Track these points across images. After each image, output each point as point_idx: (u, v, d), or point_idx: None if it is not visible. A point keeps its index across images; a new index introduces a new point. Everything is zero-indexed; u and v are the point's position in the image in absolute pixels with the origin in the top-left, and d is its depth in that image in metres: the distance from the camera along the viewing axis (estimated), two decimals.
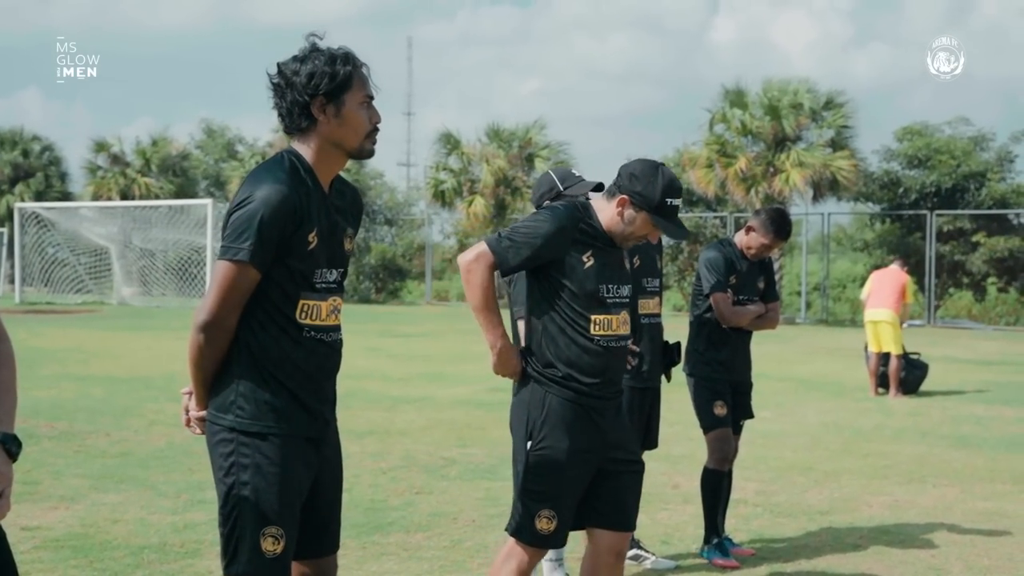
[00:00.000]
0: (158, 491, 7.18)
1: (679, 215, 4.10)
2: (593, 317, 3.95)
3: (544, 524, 3.93)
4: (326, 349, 3.31)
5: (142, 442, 8.97)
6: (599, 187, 4.99)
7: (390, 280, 37.64)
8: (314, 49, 3.24)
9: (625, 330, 4.07)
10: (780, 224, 6.10)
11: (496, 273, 4.05)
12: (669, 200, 3.98)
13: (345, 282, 3.45)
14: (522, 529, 3.97)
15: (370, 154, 3.33)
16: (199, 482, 7.44)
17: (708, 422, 6.06)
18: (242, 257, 3.13)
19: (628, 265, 4.18)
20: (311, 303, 3.25)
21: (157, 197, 37.12)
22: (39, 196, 39.66)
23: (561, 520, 3.95)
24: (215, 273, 3.19)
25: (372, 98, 3.30)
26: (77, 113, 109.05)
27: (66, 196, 41.31)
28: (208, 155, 45.92)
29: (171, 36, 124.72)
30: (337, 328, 3.37)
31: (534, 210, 4.93)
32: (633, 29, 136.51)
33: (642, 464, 4.19)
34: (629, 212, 3.99)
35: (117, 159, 39.58)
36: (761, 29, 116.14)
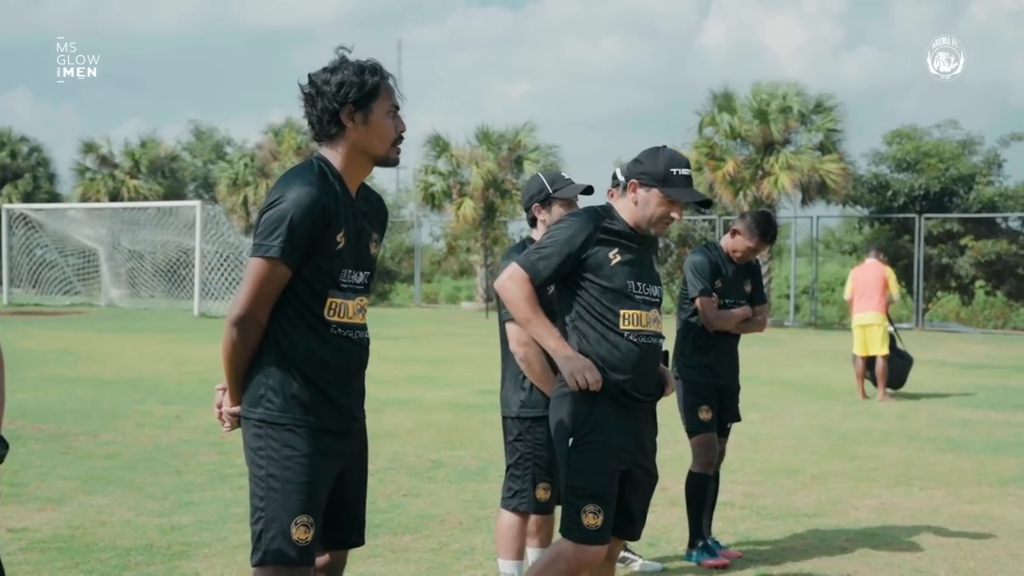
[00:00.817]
0: (145, 493, 7.17)
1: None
2: (622, 312, 4.02)
3: (591, 519, 3.96)
4: (353, 346, 3.45)
5: (130, 444, 8.95)
6: (588, 190, 5.00)
7: (379, 282, 37.63)
8: (343, 60, 3.40)
9: (656, 327, 4.13)
10: (765, 227, 6.13)
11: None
12: (674, 170, 4.11)
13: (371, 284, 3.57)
14: (571, 526, 4.00)
15: (395, 162, 3.49)
16: (186, 484, 7.44)
17: (693, 426, 6.08)
18: (273, 254, 3.26)
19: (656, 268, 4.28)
20: (338, 301, 3.39)
21: (146, 199, 37.07)
22: (27, 197, 39.53)
23: (607, 515, 3.98)
24: (247, 270, 3.33)
25: (398, 108, 3.45)
26: (66, 114, 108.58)
27: (54, 197, 41.21)
28: (197, 157, 45.85)
29: (161, 38, 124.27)
30: (364, 327, 3.51)
31: (523, 212, 4.97)
32: (624, 32, 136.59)
33: (657, 478, 4.26)
34: (641, 194, 4.11)
35: (106, 160, 39.50)
36: (752, 32, 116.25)
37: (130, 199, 37.04)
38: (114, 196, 37.87)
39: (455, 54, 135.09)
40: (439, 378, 14.12)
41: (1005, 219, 29.87)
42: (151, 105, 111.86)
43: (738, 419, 6.36)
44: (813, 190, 27.40)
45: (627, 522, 4.17)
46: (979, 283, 30.01)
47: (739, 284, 6.21)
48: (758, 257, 6.40)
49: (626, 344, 4.02)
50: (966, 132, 30.77)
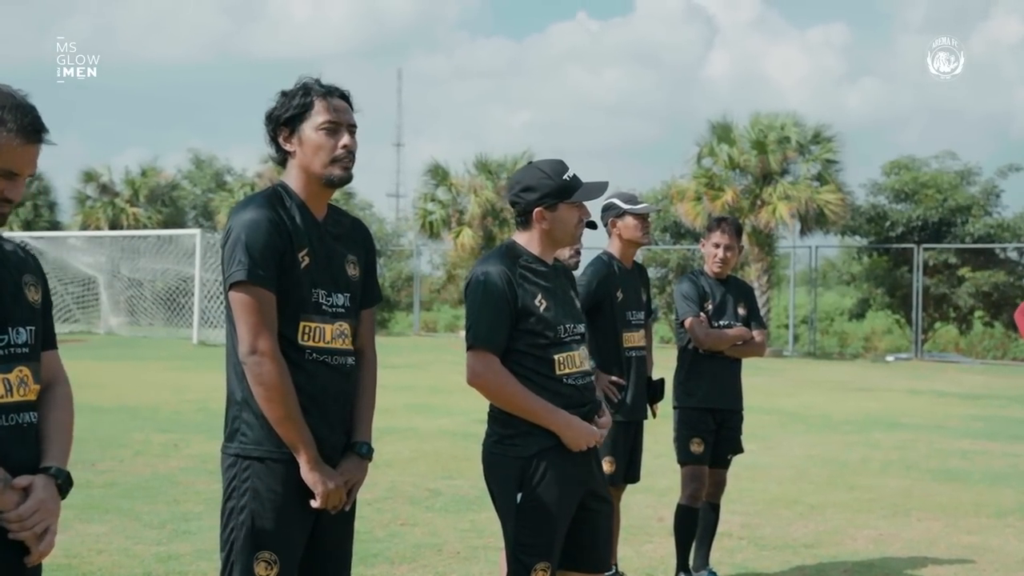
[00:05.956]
0: (143, 522, 7.16)
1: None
2: (556, 357, 3.82)
3: None
4: (331, 372, 3.33)
5: (127, 472, 8.94)
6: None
7: (378, 311, 37.58)
8: (300, 86, 3.38)
9: (587, 365, 3.96)
10: (716, 220, 6.28)
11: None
12: (566, 176, 3.88)
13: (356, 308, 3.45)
14: None
15: (341, 180, 3.36)
16: (184, 513, 7.43)
17: (683, 457, 6.08)
18: (237, 278, 3.20)
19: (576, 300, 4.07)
20: (313, 325, 3.29)
21: (145, 227, 37.09)
22: (28, 225, 39.55)
23: (553, 570, 3.84)
24: (231, 307, 3.24)
25: (336, 123, 3.34)
26: (69, 143, 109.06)
27: (55, 225, 41.21)
28: (196, 185, 45.90)
29: (168, 68, 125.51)
30: (346, 352, 3.39)
31: None
32: (628, 63, 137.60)
33: (611, 503, 4.11)
34: (552, 216, 3.87)
35: (106, 189, 39.53)
36: (756, 63, 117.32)
37: (130, 227, 37.05)
38: (114, 224, 37.90)
39: (459, 84, 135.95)
40: (437, 407, 14.11)
41: (1003, 250, 29.90)
42: (154, 134, 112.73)
43: (739, 451, 6.31)
44: (811, 220, 27.46)
45: (597, 554, 3.98)
46: (977, 313, 30.00)
47: (731, 307, 6.20)
48: (754, 284, 6.43)
49: (566, 388, 3.84)
50: (964, 163, 30.86)
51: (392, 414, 13.18)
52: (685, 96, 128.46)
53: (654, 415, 5.95)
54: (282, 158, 3.40)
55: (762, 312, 6.62)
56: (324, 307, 3.32)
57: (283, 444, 3.23)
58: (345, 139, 3.34)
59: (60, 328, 24.81)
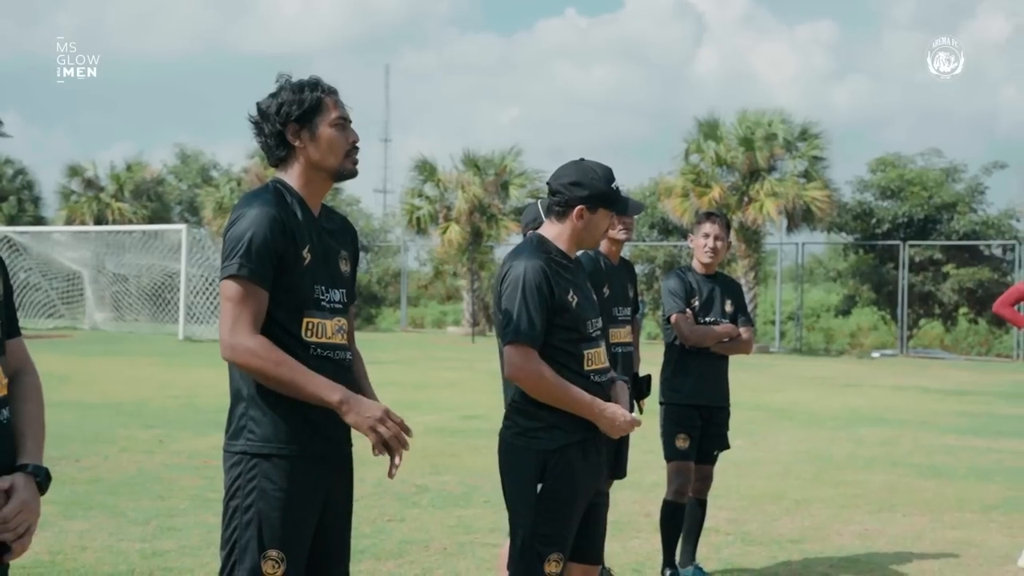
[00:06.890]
0: (127, 518, 7.13)
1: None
2: (585, 353, 3.85)
3: (553, 567, 3.80)
4: (334, 367, 3.33)
5: (112, 468, 8.91)
6: None
7: (365, 306, 37.57)
8: (285, 83, 3.38)
9: (606, 362, 3.99)
10: (705, 214, 6.35)
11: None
12: (613, 184, 3.93)
13: (351, 303, 3.48)
14: (530, 573, 3.81)
15: (352, 173, 3.41)
16: (169, 509, 7.40)
17: (669, 452, 6.09)
18: (232, 271, 3.18)
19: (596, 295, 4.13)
20: (315, 321, 3.29)
21: (131, 222, 36.96)
22: (11, 220, 39.41)
23: (566, 561, 3.85)
24: (221, 295, 3.23)
25: (346, 119, 3.38)
26: (56, 138, 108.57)
27: (39, 220, 41.07)
28: (182, 180, 45.79)
29: (156, 62, 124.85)
30: (345, 347, 3.40)
31: (508, 237, 4.95)
32: (616, 60, 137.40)
33: (608, 496, 4.16)
34: (590, 218, 3.90)
35: (91, 184, 39.40)
36: (744, 61, 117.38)
37: (115, 222, 36.91)
38: (99, 219, 37.75)
39: (446, 80, 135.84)
40: (424, 403, 14.09)
41: (988, 247, 30.02)
42: (141, 129, 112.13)
43: (726, 447, 6.30)
44: (798, 217, 27.55)
45: (593, 546, 4.03)
46: (962, 310, 30.14)
47: (718, 303, 6.20)
48: (741, 280, 6.45)
49: (592, 386, 3.85)
50: (949, 160, 30.99)
51: None
52: (674, 93, 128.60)
53: (640, 411, 5.94)
54: (281, 154, 3.35)
55: (749, 309, 6.63)
56: (323, 303, 3.32)
57: (290, 441, 3.22)
58: (353, 134, 3.40)
59: (44, 323, 24.66)
